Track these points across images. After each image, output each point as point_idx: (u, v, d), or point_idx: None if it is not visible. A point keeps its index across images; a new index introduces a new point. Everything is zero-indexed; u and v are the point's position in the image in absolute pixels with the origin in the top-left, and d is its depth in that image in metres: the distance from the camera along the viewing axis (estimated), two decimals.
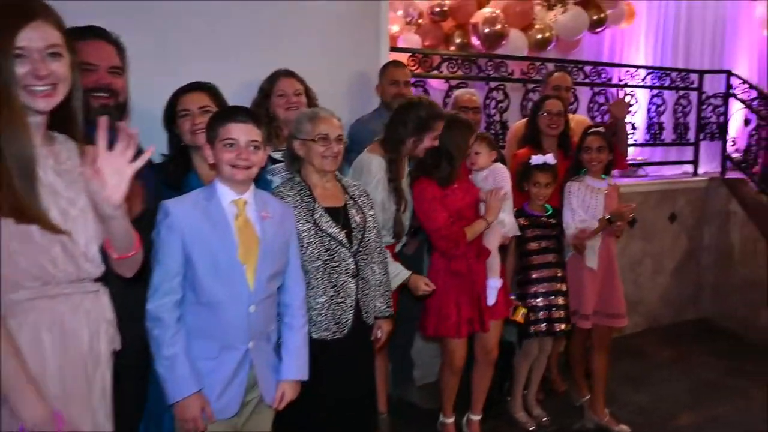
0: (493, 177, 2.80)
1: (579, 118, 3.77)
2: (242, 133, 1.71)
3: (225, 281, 1.70)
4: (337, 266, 2.07)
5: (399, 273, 2.50)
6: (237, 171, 1.71)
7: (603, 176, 3.13)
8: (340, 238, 2.08)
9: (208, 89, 2.16)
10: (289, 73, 2.69)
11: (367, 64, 3.34)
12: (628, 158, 3.80)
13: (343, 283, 2.09)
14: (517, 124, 3.74)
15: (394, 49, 3.80)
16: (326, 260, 2.06)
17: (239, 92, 2.52)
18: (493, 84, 4.16)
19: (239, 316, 1.73)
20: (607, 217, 3.03)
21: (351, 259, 2.09)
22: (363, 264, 2.16)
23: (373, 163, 2.46)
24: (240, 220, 1.74)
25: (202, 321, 1.71)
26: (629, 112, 4.22)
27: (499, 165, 2.85)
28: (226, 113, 1.78)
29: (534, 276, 3.07)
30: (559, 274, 3.08)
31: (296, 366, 1.87)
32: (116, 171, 1.18)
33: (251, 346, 1.77)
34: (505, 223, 2.77)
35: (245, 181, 1.77)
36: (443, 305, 2.70)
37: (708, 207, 5.09)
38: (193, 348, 1.70)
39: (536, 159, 2.95)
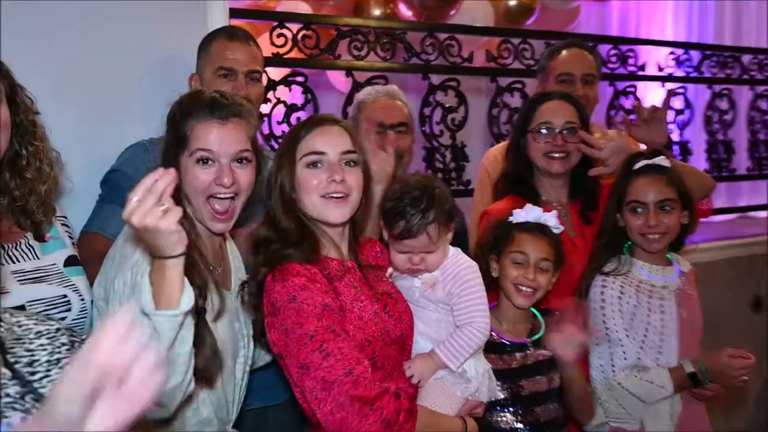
0: (447, 282, 2.07)
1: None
2: None
3: None
4: None
5: None
6: None
7: (669, 256, 2.48)
8: None
9: None
10: None
11: (187, 41, 2.72)
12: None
13: None
14: (492, 151, 3.17)
15: (240, 13, 3.17)
16: None
17: None
18: (436, 78, 3.54)
19: None
20: (690, 369, 2.34)
21: None
22: None
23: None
24: None
25: None
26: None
27: (456, 256, 2.12)
28: None
29: None
30: None
31: None
32: None
33: None
34: (469, 375, 2.04)
35: None
36: None
37: None
38: None
39: (522, 213, 2.32)
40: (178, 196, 1.88)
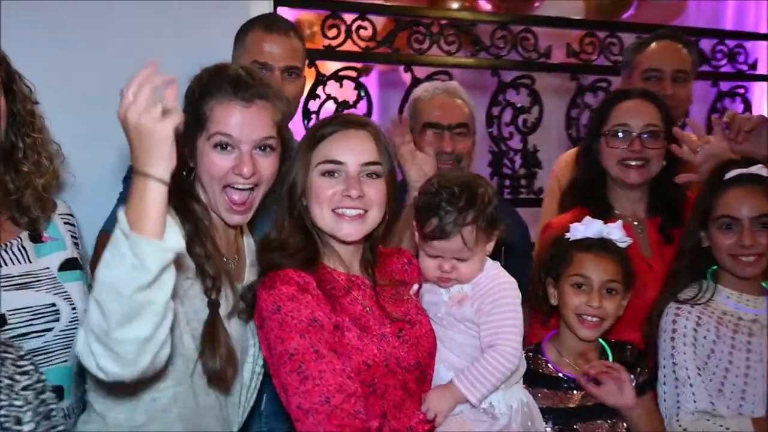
0: (477, 298, 1.90)
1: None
2: None
3: None
4: None
5: None
6: None
7: (765, 285, 2.20)
8: None
9: None
10: None
11: (226, 31, 2.60)
12: None
13: None
14: (564, 156, 3.02)
15: (287, 1, 3.05)
16: None
17: None
18: (507, 75, 3.36)
19: None
20: None
21: None
22: None
23: None
24: None
25: None
26: None
27: (493, 270, 1.94)
28: None
29: None
30: None
31: None
32: None
33: None
34: (497, 411, 1.87)
35: None
36: None
37: None
38: None
39: (580, 228, 2.16)
40: (193, 179, 1.77)
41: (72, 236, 1.91)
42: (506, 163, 3.34)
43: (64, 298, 1.78)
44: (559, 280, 2.08)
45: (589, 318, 2.02)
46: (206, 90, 1.68)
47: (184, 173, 1.74)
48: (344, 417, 1.59)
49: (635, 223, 2.34)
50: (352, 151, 1.70)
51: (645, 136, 2.28)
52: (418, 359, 1.79)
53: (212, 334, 1.64)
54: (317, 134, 1.72)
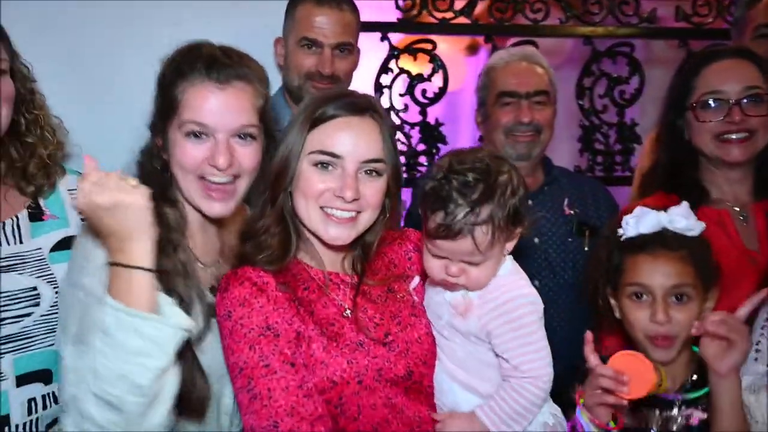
0: (486, 313, 1.55)
1: None
2: None
3: None
4: None
5: None
6: None
7: None
8: None
9: None
10: None
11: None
12: None
13: None
14: (652, 135, 2.76)
15: None
16: None
17: None
18: (601, 44, 3.08)
19: None
20: None
21: None
22: None
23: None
24: None
25: None
26: None
27: (510, 277, 1.59)
28: None
29: None
30: None
31: None
32: None
33: None
34: None
35: None
36: None
37: None
38: None
39: (631, 222, 1.77)
40: (171, 176, 1.61)
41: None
42: (599, 138, 3.09)
43: (48, 281, 1.71)
44: (617, 291, 1.75)
45: (661, 352, 1.66)
46: (178, 71, 1.52)
47: (159, 168, 1.59)
48: None
49: (736, 208, 2.01)
50: (352, 144, 1.45)
51: (745, 101, 1.95)
52: (409, 369, 1.55)
53: (182, 359, 1.49)
54: (315, 114, 1.48)
